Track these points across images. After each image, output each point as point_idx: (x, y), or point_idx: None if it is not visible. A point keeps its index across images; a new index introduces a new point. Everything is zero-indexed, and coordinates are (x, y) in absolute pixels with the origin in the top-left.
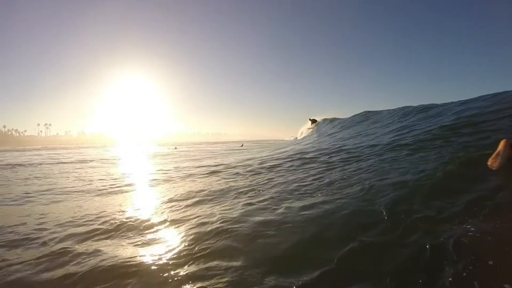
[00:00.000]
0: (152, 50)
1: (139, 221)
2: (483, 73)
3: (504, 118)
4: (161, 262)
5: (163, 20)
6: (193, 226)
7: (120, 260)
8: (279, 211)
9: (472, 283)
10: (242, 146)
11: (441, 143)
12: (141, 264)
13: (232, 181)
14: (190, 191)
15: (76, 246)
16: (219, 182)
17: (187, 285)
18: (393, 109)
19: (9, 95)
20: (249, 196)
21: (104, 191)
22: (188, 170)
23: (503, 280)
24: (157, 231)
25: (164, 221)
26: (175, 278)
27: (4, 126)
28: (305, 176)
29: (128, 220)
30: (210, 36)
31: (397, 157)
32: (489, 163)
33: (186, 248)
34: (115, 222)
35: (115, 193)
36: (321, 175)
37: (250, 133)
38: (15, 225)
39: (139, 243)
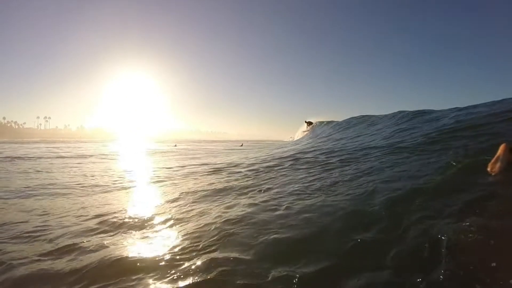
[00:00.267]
0: (154, 48)
1: (143, 218)
2: (481, 82)
3: (503, 122)
4: (167, 257)
5: (165, 18)
6: (197, 223)
7: (126, 255)
8: (281, 209)
9: (470, 282)
10: (242, 145)
11: (440, 146)
12: (147, 259)
13: (234, 179)
14: (193, 189)
15: (81, 242)
16: (221, 180)
17: (194, 277)
18: (391, 113)
19: (10, 87)
20: (251, 195)
21: (106, 187)
22: (190, 168)
23: (503, 279)
24: (162, 227)
25: (169, 218)
26: (182, 272)
27: (4, 118)
28: (305, 176)
29: (132, 216)
30: (213, 35)
31: (396, 159)
32: (489, 167)
33: (191, 243)
34: (119, 219)
35: (118, 189)
36: (321, 175)
37: (249, 133)
38: (19, 220)
39: (145, 239)
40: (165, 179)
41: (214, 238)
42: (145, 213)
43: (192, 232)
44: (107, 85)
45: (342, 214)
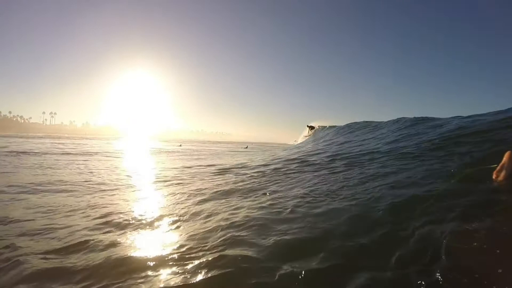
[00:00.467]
0: (160, 48)
1: (151, 217)
2: (484, 93)
3: (508, 128)
4: (175, 256)
5: (172, 18)
6: (205, 223)
7: (134, 253)
8: (287, 211)
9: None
10: (246, 148)
11: (444, 152)
12: (155, 257)
13: (240, 181)
14: (200, 190)
15: (89, 240)
16: (227, 181)
17: (202, 275)
18: (392, 120)
19: (17, 81)
20: (257, 197)
21: (113, 186)
22: (196, 169)
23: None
24: (169, 227)
25: (176, 218)
26: (190, 270)
27: (10, 112)
28: (311, 179)
29: (140, 216)
30: (219, 36)
31: (400, 164)
32: (494, 175)
33: (199, 243)
34: (127, 218)
35: (125, 188)
36: (326, 179)
37: (253, 135)
38: (26, 217)
39: (152, 237)
40: (172, 179)
41: (222, 238)
42: (152, 213)
43: (200, 232)
44: (113, 83)
45: (346, 217)
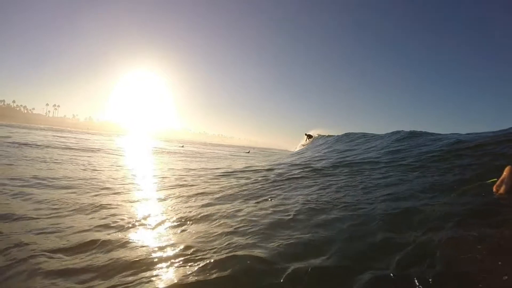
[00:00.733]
0: (166, 49)
1: (156, 217)
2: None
3: (507, 142)
4: (182, 256)
5: (178, 20)
6: (210, 224)
7: (139, 253)
8: (291, 216)
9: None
10: (248, 152)
11: (445, 164)
12: (162, 258)
13: (243, 184)
14: (204, 192)
15: (97, 239)
16: (231, 185)
17: (210, 274)
18: (390, 132)
19: (22, 71)
20: (261, 201)
21: (118, 184)
22: (199, 171)
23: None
24: (175, 228)
25: (181, 219)
26: (198, 269)
27: (14, 101)
28: (313, 185)
29: (145, 215)
30: (225, 41)
31: (400, 175)
32: (494, 189)
33: (205, 243)
34: (134, 218)
35: (129, 188)
36: (327, 186)
37: (255, 140)
38: (33, 213)
39: (158, 237)
40: (176, 181)
41: (228, 240)
42: (157, 214)
43: (205, 234)
44: (117, 80)
45: (349, 224)
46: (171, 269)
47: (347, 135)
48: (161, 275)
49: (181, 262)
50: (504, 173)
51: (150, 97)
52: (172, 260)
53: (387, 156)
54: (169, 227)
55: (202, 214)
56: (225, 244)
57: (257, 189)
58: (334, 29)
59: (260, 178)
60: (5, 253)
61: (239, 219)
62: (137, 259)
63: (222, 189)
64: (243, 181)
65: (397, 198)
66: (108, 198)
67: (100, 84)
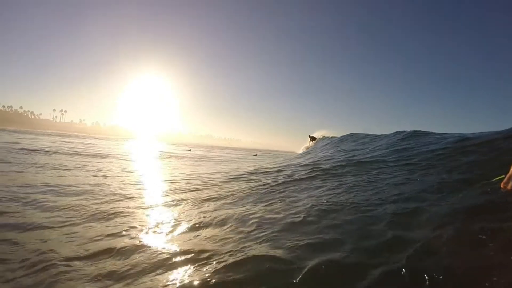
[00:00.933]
0: (171, 53)
1: (171, 223)
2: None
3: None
4: (202, 259)
5: (183, 24)
6: (224, 228)
7: (158, 259)
8: (301, 217)
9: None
10: (256, 155)
11: (451, 162)
12: (180, 261)
13: (254, 187)
14: (216, 197)
15: (113, 245)
16: (241, 188)
17: (229, 274)
18: (394, 132)
19: (29, 76)
20: (272, 203)
21: (130, 191)
22: (209, 175)
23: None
24: (191, 233)
25: (197, 225)
26: (216, 271)
27: (21, 107)
28: (323, 185)
29: (161, 223)
30: (229, 44)
31: (407, 174)
32: (501, 186)
33: (220, 245)
34: (149, 224)
35: (143, 194)
36: (336, 186)
37: (262, 142)
38: (48, 220)
39: (175, 243)
40: (186, 185)
41: (242, 242)
42: (171, 219)
43: (220, 237)
44: (124, 85)
45: (359, 224)
46: (189, 273)
47: (351, 135)
48: (180, 278)
49: (198, 266)
50: (511, 170)
51: (156, 101)
52: (190, 264)
53: (393, 155)
54: (184, 232)
55: (215, 218)
56: (240, 246)
57: (268, 191)
58: (335, 31)
59: (270, 180)
60: (23, 263)
61: (252, 222)
62: (155, 264)
63: (233, 192)
64: (253, 184)
65: (405, 197)
66: (121, 205)
67: (106, 88)
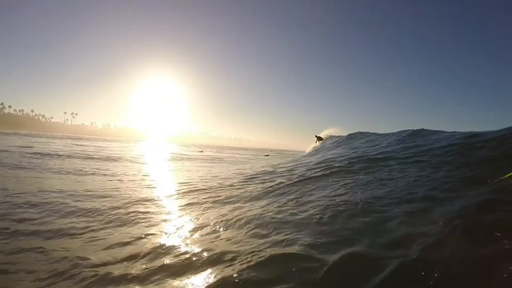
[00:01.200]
0: (181, 54)
1: (191, 226)
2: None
3: None
4: (225, 260)
5: (192, 26)
6: (243, 228)
7: (183, 260)
8: (319, 214)
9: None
10: (268, 155)
11: (460, 159)
12: (203, 263)
13: (269, 187)
14: (232, 198)
15: (137, 248)
16: (257, 188)
17: (254, 273)
18: (400, 131)
19: (40, 80)
20: (286, 202)
21: (147, 194)
22: (224, 177)
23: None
24: (211, 234)
25: (216, 226)
26: (241, 270)
27: (32, 111)
28: (336, 183)
29: (182, 225)
30: (240, 45)
31: (417, 171)
32: None
33: (243, 247)
34: (170, 228)
35: (160, 198)
36: (349, 183)
37: (272, 142)
38: (72, 227)
39: (197, 245)
40: (202, 187)
41: (262, 241)
42: (191, 221)
43: (241, 237)
44: (134, 87)
45: (373, 220)
46: (215, 274)
47: (360, 133)
48: (207, 280)
49: (222, 267)
50: None
51: (165, 101)
52: (214, 266)
53: (403, 152)
54: (205, 233)
55: (234, 219)
56: (261, 247)
57: (283, 191)
58: (336, 31)
59: (284, 180)
60: (51, 269)
61: (270, 222)
62: (180, 267)
63: (249, 193)
64: (268, 184)
65: (417, 194)
66: (139, 209)
67: (117, 90)
